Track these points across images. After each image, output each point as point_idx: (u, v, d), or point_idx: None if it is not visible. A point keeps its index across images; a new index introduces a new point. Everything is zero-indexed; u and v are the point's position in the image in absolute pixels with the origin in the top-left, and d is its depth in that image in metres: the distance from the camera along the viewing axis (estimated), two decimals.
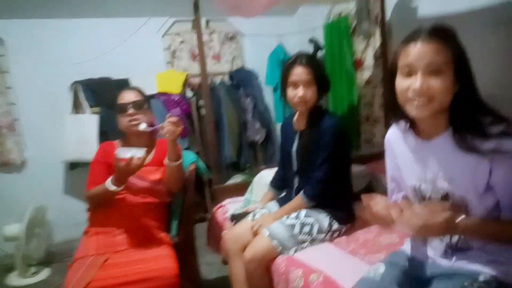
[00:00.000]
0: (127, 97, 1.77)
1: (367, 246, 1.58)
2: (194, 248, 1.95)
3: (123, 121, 1.76)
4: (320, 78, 1.69)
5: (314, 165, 1.68)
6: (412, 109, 1.05)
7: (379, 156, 2.88)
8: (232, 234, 1.78)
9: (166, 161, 1.70)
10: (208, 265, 2.57)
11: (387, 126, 2.98)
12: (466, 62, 1.03)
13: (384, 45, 2.90)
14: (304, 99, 1.67)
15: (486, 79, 1.03)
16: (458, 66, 1.01)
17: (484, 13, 2.17)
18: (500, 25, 2.12)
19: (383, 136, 3.04)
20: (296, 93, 1.67)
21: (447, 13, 2.40)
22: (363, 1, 2.75)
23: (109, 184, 1.61)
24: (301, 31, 3.89)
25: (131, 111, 1.73)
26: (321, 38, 3.59)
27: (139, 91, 1.83)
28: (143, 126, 1.71)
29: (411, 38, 1.04)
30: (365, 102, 3.38)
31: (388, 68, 1.14)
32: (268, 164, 3.88)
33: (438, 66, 0.99)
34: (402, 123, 1.21)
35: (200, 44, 2.36)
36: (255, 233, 1.68)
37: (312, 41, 3.59)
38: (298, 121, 1.82)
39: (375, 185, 2.28)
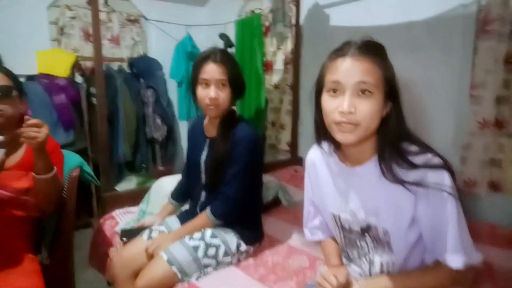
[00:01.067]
0: None
1: (276, 271, 1.45)
2: (70, 272, 1.58)
3: None
4: (236, 80, 1.49)
5: (224, 179, 1.48)
6: (337, 134, 0.94)
7: (284, 163, 2.89)
8: (121, 256, 1.48)
9: (33, 173, 1.33)
10: (88, 284, 2.19)
11: (292, 134, 3.01)
12: (396, 85, 0.94)
13: (296, 50, 2.85)
14: (215, 102, 1.46)
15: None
16: (388, 89, 0.92)
17: (395, 31, 2.23)
18: (405, 47, 2.20)
19: (288, 144, 3.09)
20: (207, 94, 1.45)
21: (356, 25, 2.43)
22: (280, 2, 2.65)
23: None
24: (211, 24, 3.67)
25: None
26: (231, 34, 3.42)
27: (7, 73, 1.39)
28: None
29: (340, 52, 0.94)
30: (272, 107, 3.32)
31: (315, 83, 1.02)
32: (167, 166, 3.59)
33: (368, 87, 0.89)
34: (325, 144, 1.10)
35: (96, 22, 1.98)
36: (151, 256, 1.42)
37: (222, 36, 3.39)
38: (209, 126, 1.60)
39: (282, 197, 2.19)
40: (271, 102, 3.32)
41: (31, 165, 1.34)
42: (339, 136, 0.94)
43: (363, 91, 0.90)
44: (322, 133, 1.04)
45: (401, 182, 0.91)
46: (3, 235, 1.35)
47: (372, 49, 0.93)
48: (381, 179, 0.95)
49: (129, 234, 1.62)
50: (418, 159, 0.92)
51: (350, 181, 1.04)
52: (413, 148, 0.94)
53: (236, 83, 1.50)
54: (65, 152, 1.56)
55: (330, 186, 1.10)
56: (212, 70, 1.45)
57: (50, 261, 1.51)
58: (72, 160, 1.58)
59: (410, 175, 0.91)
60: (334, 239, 1.21)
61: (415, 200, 0.93)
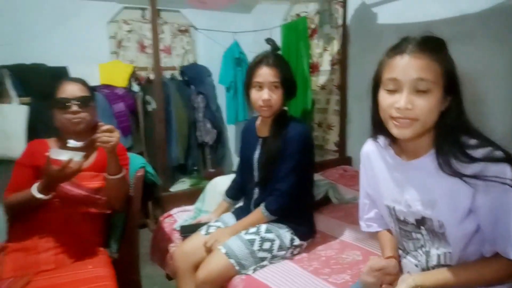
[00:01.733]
0: (70, 90, 1.49)
1: (330, 264, 1.48)
2: (137, 266, 1.71)
3: (62, 118, 1.48)
4: (287, 81, 1.56)
5: (278, 176, 1.54)
6: (393, 129, 0.96)
7: (332, 163, 2.89)
8: (182, 250, 1.58)
9: (105, 174, 1.47)
10: (148, 279, 2.33)
11: (340, 134, 3.01)
12: (457, 79, 0.94)
13: (343, 50, 2.85)
14: (268, 103, 1.53)
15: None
16: (448, 83, 0.92)
17: (444, 25, 2.19)
18: (457, 40, 2.14)
19: (336, 144, 3.09)
20: (261, 96, 1.53)
21: (406, 22, 2.39)
22: (326, 4, 2.68)
23: (35, 191, 1.34)
24: (257, 30, 3.76)
25: (74, 108, 1.47)
26: (277, 39, 3.49)
27: (85, 84, 1.55)
28: (71, 143, 1.40)
29: (397, 49, 0.95)
30: (319, 108, 3.34)
31: (372, 79, 1.04)
32: (217, 168, 3.71)
33: (427, 84, 0.90)
34: (381, 138, 1.11)
35: (155, 35, 2.12)
36: (209, 250, 1.50)
37: (269, 40, 3.45)
38: (261, 126, 1.67)
39: (332, 195, 2.20)
40: (317, 103, 3.34)
41: (102, 167, 1.49)
42: (395, 132, 0.95)
43: (421, 89, 0.90)
44: (378, 127, 1.06)
45: (460, 176, 0.91)
46: (80, 229, 1.50)
47: (431, 45, 0.93)
48: (438, 172, 0.95)
49: (188, 230, 1.72)
50: (478, 153, 0.91)
51: (406, 174, 1.05)
52: (473, 141, 0.94)
53: (288, 84, 1.56)
54: (129, 154, 1.71)
55: (385, 179, 1.11)
56: (265, 73, 1.52)
57: (118, 255, 1.65)
58: (136, 162, 1.72)
59: (469, 168, 0.91)
60: (389, 231, 1.21)
61: (473, 192, 0.92)
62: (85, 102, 1.50)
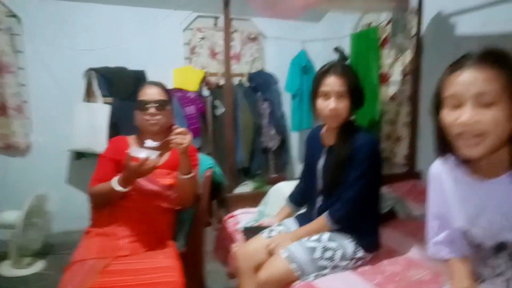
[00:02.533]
0: (150, 93, 1.63)
1: (395, 280, 1.43)
2: (202, 261, 1.80)
3: (141, 119, 1.62)
4: (355, 91, 1.54)
5: (344, 184, 1.53)
6: (463, 148, 0.91)
7: (400, 177, 2.78)
8: (245, 250, 1.63)
9: (177, 173, 1.58)
10: (211, 274, 2.42)
11: (410, 146, 2.89)
12: None
13: (416, 61, 2.75)
14: (335, 112, 1.52)
15: None
16: None
17: None
18: None
19: (405, 156, 2.96)
20: (327, 105, 1.52)
21: (490, 33, 2.25)
22: (400, 13, 2.61)
23: (115, 183, 1.48)
24: (326, 39, 3.75)
25: (152, 110, 1.60)
26: (346, 48, 3.45)
27: (164, 89, 1.69)
28: (148, 143, 1.52)
29: (457, 66, 0.91)
30: (387, 119, 3.24)
31: (431, 101, 1.01)
32: (279, 173, 3.75)
33: (490, 97, 0.85)
34: (451, 157, 1.06)
35: (227, 43, 2.22)
36: (270, 253, 1.53)
37: (337, 49, 3.45)
38: (327, 135, 1.67)
39: (399, 209, 2.12)
40: (386, 114, 3.24)
41: (175, 166, 1.59)
42: (465, 151, 0.91)
43: (485, 101, 0.86)
44: (445, 148, 1.01)
45: None
46: (153, 221, 1.61)
47: (492, 58, 0.88)
48: None
49: (251, 231, 1.76)
50: None
51: (482, 194, 0.99)
52: None
53: (355, 94, 1.54)
54: (199, 155, 1.80)
55: (459, 200, 1.06)
56: (332, 83, 1.52)
57: (185, 249, 1.74)
58: (205, 162, 1.81)
59: None
60: (462, 258, 1.13)
61: None
62: (162, 105, 1.62)
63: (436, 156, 1.10)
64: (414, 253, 1.67)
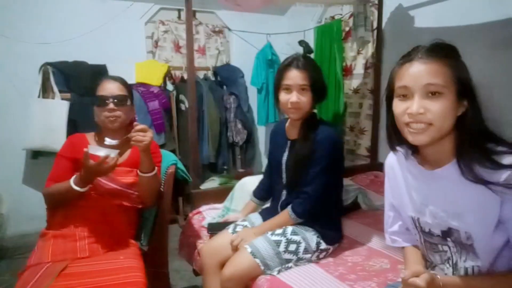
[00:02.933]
0: (109, 88, 1.56)
1: (356, 271, 1.46)
2: (166, 259, 1.76)
3: (100, 115, 1.55)
4: (317, 85, 1.55)
5: (306, 179, 1.54)
6: (409, 135, 0.95)
7: (363, 168, 2.85)
8: (209, 247, 1.62)
9: (138, 171, 1.53)
10: (176, 272, 2.40)
11: (372, 139, 2.96)
12: (470, 82, 0.93)
13: (378, 54, 2.81)
14: (297, 106, 1.53)
15: (487, 103, 0.95)
16: (460, 87, 0.91)
17: (484, 30, 2.11)
18: (501, 45, 2.06)
19: (368, 149, 3.04)
20: (289, 98, 1.53)
21: (444, 26, 2.33)
22: (361, 6, 2.65)
23: (73, 183, 1.42)
24: (291, 32, 3.76)
25: (111, 106, 1.54)
26: (311, 41, 3.48)
27: (124, 83, 1.62)
28: (107, 141, 1.47)
29: (406, 58, 0.96)
30: (351, 112, 3.30)
31: (385, 90, 1.05)
32: (246, 168, 3.74)
33: (437, 88, 0.90)
34: (404, 149, 1.10)
35: (190, 35, 2.17)
36: (235, 248, 1.53)
37: (302, 43, 3.46)
38: (290, 129, 1.68)
39: (361, 201, 2.17)
40: (350, 107, 3.30)
41: (136, 163, 1.55)
42: (411, 138, 0.95)
43: (433, 93, 0.90)
44: (396, 138, 1.05)
45: (485, 183, 0.88)
46: (114, 221, 1.56)
47: (440, 51, 0.93)
48: (463, 181, 0.93)
49: (216, 227, 1.75)
50: (506, 159, 0.88)
51: (430, 183, 1.03)
52: (500, 148, 0.91)
53: (317, 87, 1.55)
54: (162, 151, 1.76)
55: (409, 190, 1.10)
56: (294, 76, 1.52)
57: (148, 248, 1.70)
58: (168, 159, 1.77)
59: (496, 176, 0.88)
60: (416, 246, 1.18)
61: (501, 202, 0.89)
62: (121, 101, 1.56)
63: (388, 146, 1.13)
64: (375, 242, 1.71)
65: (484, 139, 0.93)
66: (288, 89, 1.54)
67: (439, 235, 1.04)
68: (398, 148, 1.10)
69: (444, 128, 0.92)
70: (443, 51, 0.93)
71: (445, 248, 1.04)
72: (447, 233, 1.01)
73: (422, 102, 0.91)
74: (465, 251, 0.99)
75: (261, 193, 1.86)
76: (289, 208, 1.56)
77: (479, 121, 0.93)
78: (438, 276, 0.94)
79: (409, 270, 0.91)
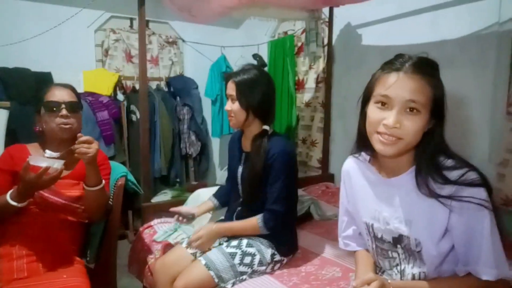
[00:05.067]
0: (60, 95, 1.47)
1: (310, 280, 1.47)
2: (114, 276, 1.67)
3: (51, 122, 1.45)
4: (243, 97, 1.55)
5: (259, 193, 1.54)
6: (378, 144, 0.97)
7: (315, 179, 2.92)
8: (162, 263, 1.55)
9: (84, 185, 1.45)
10: None
11: (324, 151, 3.04)
12: (444, 103, 0.96)
13: (328, 69, 2.91)
14: (229, 113, 1.60)
15: None
16: (436, 106, 0.94)
17: (424, 49, 2.26)
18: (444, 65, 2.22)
19: (319, 160, 3.11)
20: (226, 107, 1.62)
21: (389, 44, 2.47)
22: (313, 23, 2.74)
23: (9, 197, 1.30)
24: (245, 45, 3.81)
25: (64, 112, 1.45)
26: (264, 55, 3.54)
27: (74, 91, 1.54)
28: (48, 153, 1.40)
29: (393, 65, 0.96)
30: (303, 125, 3.38)
31: (363, 92, 1.05)
32: (200, 180, 3.69)
33: (417, 106, 0.91)
34: (363, 155, 1.14)
35: (142, 44, 2.13)
36: (198, 247, 1.53)
37: (256, 56, 3.50)
38: (244, 141, 1.68)
39: (313, 211, 2.21)
40: (302, 120, 3.38)
41: (83, 176, 1.46)
42: (379, 147, 0.96)
43: (411, 109, 0.92)
44: (363, 142, 1.07)
45: (436, 196, 0.93)
46: (56, 237, 1.46)
47: (426, 67, 0.94)
48: (416, 191, 0.97)
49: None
50: (453, 174, 0.93)
51: (385, 191, 1.07)
52: (449, 162, 0.96)
53: (244, 99, 1.55)
54: (111, 163, 1.68)
55: (365, 195, 1.13)
56: (229, 87, 1.59)
57: (95, 265, 1.61)
58: (117, 171, 1.69)
59: (445, 189, 0.93)
60: (367, 250, 1.22)
61: (449, 213, 0.94)
62: (74, 107, 1.48)
63: (352, 150, 1.15)
64: (327, 252, 1.74)
65: (440, 153, 0.97)
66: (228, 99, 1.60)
67: (390, 242, 1.07)
68: (361, 152, 1.13)
69: (411, 144, 0.95)
70: (428, 67, 0.95)
71: (395, 254, 1.08)
72: (397, 240, 1.05)
73: (399, 117, 0.91)
74: (413, 257, 1.04)
75: (222, 197, 1.82)
76: (259, 218, 1.52)
77: (440, 139, 0.97)
78: (389, 281, 0.97)
79: (360, 279, 0.92)
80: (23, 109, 2.68)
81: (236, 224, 1.58)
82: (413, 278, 1.04)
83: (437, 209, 0.95)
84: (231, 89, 1.56)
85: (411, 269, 1.05)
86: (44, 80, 2.87)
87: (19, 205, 1.31)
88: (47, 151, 1.40)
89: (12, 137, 2.60)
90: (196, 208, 1.78)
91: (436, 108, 0.94)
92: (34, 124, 1.52)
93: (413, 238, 1.01)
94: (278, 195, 1.51)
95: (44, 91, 1.50)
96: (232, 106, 1.57)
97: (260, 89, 1.56)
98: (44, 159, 1.30)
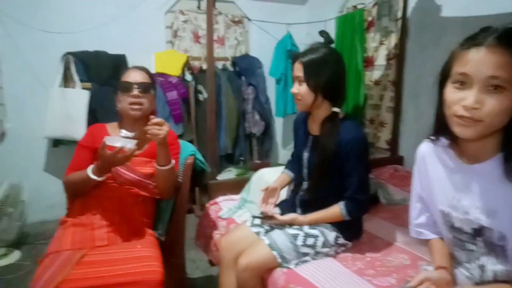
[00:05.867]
0: (134, 76, 1.58)
1: (375, 266, 1.43)
2: (183, 249, 1.77)
3: (124, 101, 1.56)
4: (311, 78, 1.46)
5: (326, 178, 1.51)
6: (456, 127, 0.88)
7: (383, 162, 2.79)
8: (227, 240, 1.60)
9: (155, 164, 1.53)
10: (192, 262, 2.41)
11: (393, 132, 2.89)
12: None
13: (401, 45, 2.72)
14: (296, 97, 1.52)
15: None
16: None
17: None
18: None
19: (387, 142, 2.97)
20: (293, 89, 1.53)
21: (474, 15, 2.23)
22: None
23: (90, 172, 1.44)
24: (311, 22, 3.69)
25: (135, 92, 1.54)
26: (332, 31, 3.40)
27: (148, 73, 1.64)
28: (123, 133, 1.48)
29: (474, 40, 0.85)
30: (372, 104, 3.23)
31: (440, 72, 0.96)
32: (263, 159, 3.72)
33: (501, 82, 0.81)
34: (442, 139, 1.04)
35: (210, 25, 2.15)
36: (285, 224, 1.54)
37: (323, 33, 3.38)
38: (311, 123, 1.62)
39: (381, 195, 2.13)
40: (370, 99, 3.23)
41: (154, 154, 1.55)
42: (457, 130, 0.88)
43: (494, 87, 0.82)
44: (441, 126, 0.98)
45: None
46: (131, 210, 1.57)
47: None
48: (503, 179, 0.88)
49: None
50: None
51: (466, 178, 0.98)
52: None
53: (312, 80, 1.47)
54: (180, 142, 1.76)
55: (442, 182, 1.05)
56: (295, 68, 1.50)
57: (165, 238, 1.71)
58: (187, 149, 1.77)
59: None
60: (442, 238, 1.14)
61: None
62: (146, 88, 1.57)
63: (430, 134, 1.07)
64: (394, 238, 1.67)
65: None
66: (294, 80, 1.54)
67: (469, 233, 0.99)
68: (438, 136, 1.04)
69: (494, 126, 0.86)
70: None
71: (474, 247, 1.00)
72: (478, 232, 0.97)
73: (480, 96, 0.83)
74: (494, 252, 0.95)
75: (292, 165, 1.79)
76: (342, 207, 1.48)
77: None
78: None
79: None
80: (102, 90, 2.88)
81: (319, 215, 1.53)
82: (495, 275, 0.95)
83: None
84: (298, 70, 1.48)
85: (492, 266, 0.96)
86: (119, 62, 3.06)
87: (99, 179, 1.44)
88: (122, 130, 1.50)
89: (92, 116, 2.83)
90: (275, 183, 1.73)
91: None
92: (114, 104, 1.63)
93: (497, 230, 0.92)
94: (360, 183, 1.46)
95: (121, 73, 1.60)
96: (300, 88, 1.49)
97: (329, 69, 1.47)
98: (119, 139, 1.40)
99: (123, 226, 1.53)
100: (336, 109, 1.52)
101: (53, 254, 1.38)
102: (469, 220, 0.98)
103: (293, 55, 1.56)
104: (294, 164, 1.77)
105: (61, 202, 1.70)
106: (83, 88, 2.89)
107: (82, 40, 3.03)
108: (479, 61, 0.83)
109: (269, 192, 1.67)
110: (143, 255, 1.42)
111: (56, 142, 3.00)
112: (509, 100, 0.82)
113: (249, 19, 3.78)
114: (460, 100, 0.86)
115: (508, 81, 0.81)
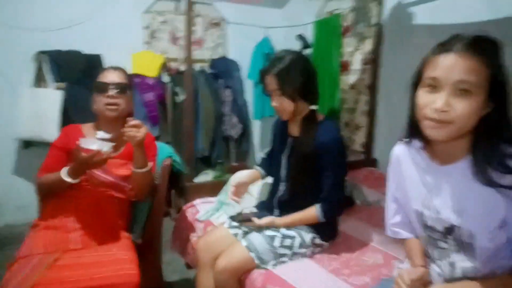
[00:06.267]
0: (110, 76, 1.55)
1: (350, 266, 1.46)
2: (159, 252, 1.75)
3: (100, 102, 1.53)
4: (287, 90, 1.48)
5: (304, 178, 1.54)
6: (427, 129, 0.92)
7: (357, 164, 2.85)
8: (205, 241, 1.60)
9: (131, 167, 1.51)
10: (168, 265, 2.38)
11: (368, 135, 2.96)
12: (506, 84, 0.88)
13: (376, 50, 2.79)
14: (277, 109, 1.53)
15: None
16: (494, 88, 0.87)
17: (484, 28, 2.10)
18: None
19: (362, 145, 3.03)
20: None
21: (444, 24, 2.32)
22: (361, 1, 2.63)
23: (64, 174, 1.40)
24: (289, 26, 3.74)
25: (111, 92, 1.51)
26: (309, 35, 3.45)
27: (125, 73, 1.61)
28: (100, 134, 1.45)
29: (443, 47, 0.89)
30: (347, 108, 3.29)
31: (412, 76, 1.00)
32: (240, 162, 3.73)
33: (468, 86, 0.85)
34: (415, 141, 1.08)
35: (189, 27, 2.15)
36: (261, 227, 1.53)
37: (300, 37, 3.44)
38: (291, 125, 1.64)
39: (355, 196, 2.17)
40: (345, 103, 3.29)
41: (131, 156, 1.52)
42: (428, 132, 0.92)
43: (463, 91, 0.85)
44: (414, 128, 1.01)
45: (495, 186, 0.88)
46: (106, 213, 1.54)
47: (482, 46, 0.87)
48: (471, 179, 0.92)
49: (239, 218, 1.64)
50: None
51: (438, 178, 1.02)
52: (510, 150, 0.89)
53: (288, 89, 1.48)
54: (158, 143, 1.74)
55: (415, 183, 1.08)
56: (268, 83, 1.51)
57: (141, 241, 1.69)
58: (164, 151, 1.75)
59: (506, 179, 0.87)
60: (417, 238, 1.18)
61: (508, 204, 0.89)
62: (122, 89, 1.54)
63: (403, 136, 1.10)
64: (369, 238, 1.71)
65: (501, 140, 0.91)
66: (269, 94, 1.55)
67: (441, 231, 1.03)
68: (412, 138, 1.08)
69: (464, 128, 0.89)
70: (484, 46, 0.87)
71: (445, 245, 1.04)
72: (449, 230, 1.00)
73: (449, 99, 0.86)
74: (464, 250, 0.99)
75: (265, 165, 1.82)
76: (317, 209, 1.51)
77: (504, 125, 0.90)
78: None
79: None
80: (75, 90, 2.82)
81: (296, 217, 1.54)
82: (464, 271, 1.00)
83: (494, 200, 0.90)
84: (272, 83, 1.48)
85: (462, 263, 1.00)
86: (94, 62, 2.99)
87: (73, 181, 1.41)
88: (98, 132, 1.47)
89: (66, 116, 2.76)
90: (245, 178, 1.75)
91: (494, 90, 0.87)
92: (89, 104, 1.60)
93: (466, 228, 0.96)
94: (334, 184, 1.49)
95: (98, 73, 1.57)
96: (279, 100, 1.49)
97: (300, 72, 1.49)
98: (94, 141, 1.37)
99: (98, 229, 1.50)
100: (313, 107, 1.55)
101: (23, 259, 1.34)
102: (441, 219, 1.01)
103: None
104: (267, 162, 1.81)
105: (30, 205, 1.65)
106: (57, 88, 2.81)
107: (54, 39, 2.94)
108: (448, 66, 0.87)
109: (239, 186, 1.70)
110: (119, 258, 1.40)
111: (27, 144, 2.90)
112: (477, 103, 0.86)
113: (227, 22, 3.79)
114: (430, 103, 0.89)
115: (476, 86, 0.85)
